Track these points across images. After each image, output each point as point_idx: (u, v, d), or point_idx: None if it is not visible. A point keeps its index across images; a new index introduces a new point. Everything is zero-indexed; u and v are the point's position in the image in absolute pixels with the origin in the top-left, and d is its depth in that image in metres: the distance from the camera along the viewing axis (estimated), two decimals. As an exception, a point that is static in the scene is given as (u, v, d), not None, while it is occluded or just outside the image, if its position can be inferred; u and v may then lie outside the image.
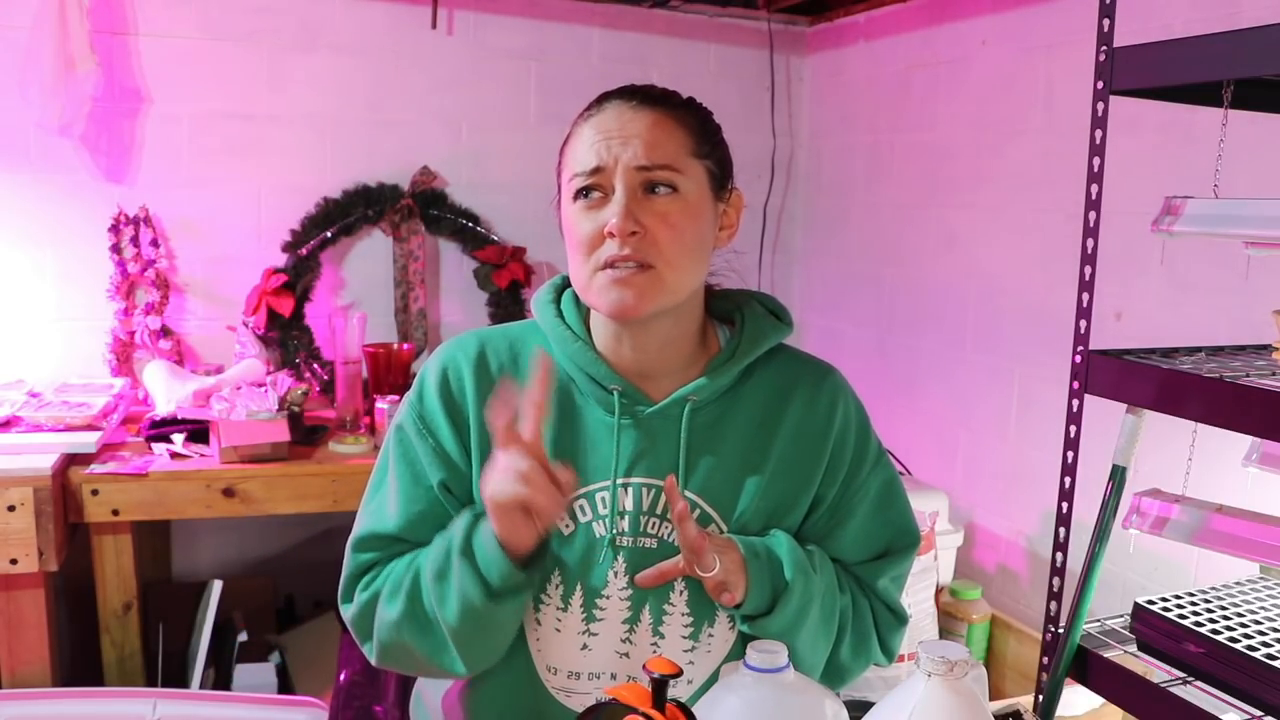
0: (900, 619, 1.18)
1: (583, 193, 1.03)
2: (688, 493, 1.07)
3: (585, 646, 1.06)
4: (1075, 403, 1.36)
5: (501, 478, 0.94)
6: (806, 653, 1.09)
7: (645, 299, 1.02)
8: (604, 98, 1.07)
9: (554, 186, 1.11)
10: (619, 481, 1.06)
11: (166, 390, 2.26)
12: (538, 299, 1.14)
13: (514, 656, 1.07)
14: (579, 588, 1.05)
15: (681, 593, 1.07)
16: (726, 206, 1.10)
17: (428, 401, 1.10)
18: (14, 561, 1.81)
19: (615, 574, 1.06)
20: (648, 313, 1.03)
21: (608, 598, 1.06)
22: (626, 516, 1.06)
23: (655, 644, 1.06)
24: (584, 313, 1.12)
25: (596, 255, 1.02)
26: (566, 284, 1.14)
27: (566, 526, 1.06)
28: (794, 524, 1.11)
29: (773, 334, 1.13)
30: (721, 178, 1.09)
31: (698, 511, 1.07)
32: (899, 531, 1.17)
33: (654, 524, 1.06)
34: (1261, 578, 1.44)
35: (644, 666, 0.81)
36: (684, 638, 1.07)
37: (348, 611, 1.10)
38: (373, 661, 1.08)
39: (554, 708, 1.07)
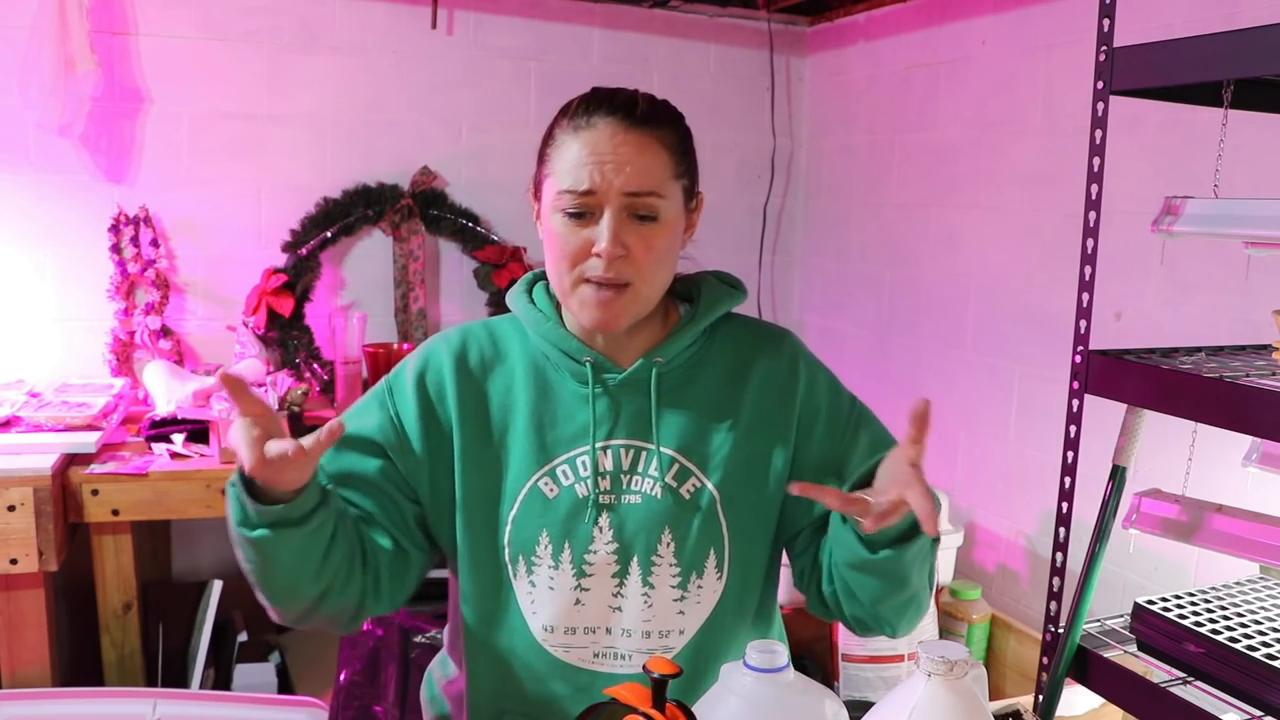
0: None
1: (573, 216, 1.08)
2: (664, 450, 1.13)
3: (578, 602, 1.13)
4: (1075, 403, 1.36)
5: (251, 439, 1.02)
6: (929, 582, 1.13)
7: (623, 317, 1.11)
8: (593, 109, 1.09)
9: None
10: (598, 445, 1.13)
11: (166, 390, 2.26)
12: (512, 293, 1.21)
13: (508, 625, 1.14)
14: (567, 546, 1.13)
15: (669, 545, 1.13)
16: (693, 212, 1.18)
17: (402, 383, 1.17)
18: (14, 561, 1.81)
19: (600, 530, 1.13)
20: (623, 327, 1.12)
21: (595, 553, 1.13)
22: (608, 476, 1.13)
23: (646, 594, 1.13)
24: (555, 300, 1.18)
25: (580, 268, 1.09)
26: (537, 279, 1.21)
27: (551, 491, 1.13)
28: (777, 481, 1.16)
29: (728, 299, 1.21)
30: (692, 189, 1.16)
31: (676, 466, 1.13)
32: None
33: (635, 481, 1.14)
34: (1261, 578, 1.44)
35: (644, 666, 0.82)
36: (673, 588, 1.13)
37: None
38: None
39: (555, 665, 1.13)
